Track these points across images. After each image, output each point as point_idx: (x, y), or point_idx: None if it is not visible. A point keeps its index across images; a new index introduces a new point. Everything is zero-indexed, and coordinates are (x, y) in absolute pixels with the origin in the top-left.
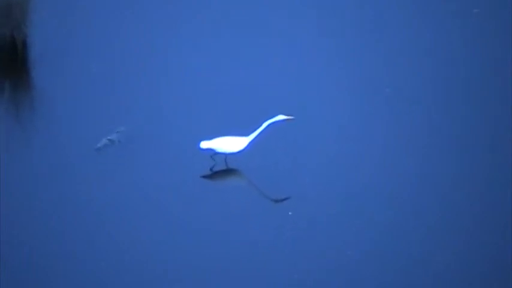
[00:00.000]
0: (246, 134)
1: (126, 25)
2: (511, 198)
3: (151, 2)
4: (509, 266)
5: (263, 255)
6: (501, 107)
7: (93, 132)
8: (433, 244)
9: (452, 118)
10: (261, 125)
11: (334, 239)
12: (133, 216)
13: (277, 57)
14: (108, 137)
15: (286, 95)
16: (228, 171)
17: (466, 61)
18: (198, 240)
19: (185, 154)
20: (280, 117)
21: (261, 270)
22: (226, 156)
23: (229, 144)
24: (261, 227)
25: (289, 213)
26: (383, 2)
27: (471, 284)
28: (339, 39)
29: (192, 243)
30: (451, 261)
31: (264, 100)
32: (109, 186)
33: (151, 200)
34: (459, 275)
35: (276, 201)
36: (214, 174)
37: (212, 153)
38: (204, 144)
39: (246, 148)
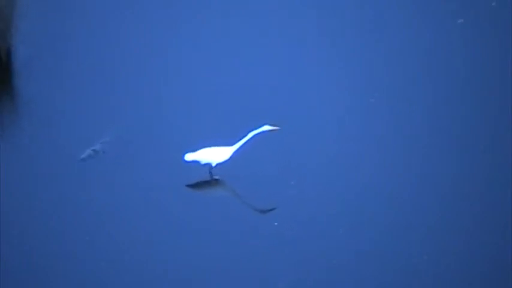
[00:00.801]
0: (232, 143)
1: (112, 35)
2: (511, 198)
3: (137, 12)
4: (509, 266)
5: (248, 266)
6: (501, 107)
7: (78, 142)
8: (433, 244)
9: (452, 118)
10: (246, 135)
11: (321, 248)
12: (118, 226)
13: (265, 64)
14: (93, 148)
15: (273, 103)
16: (212, 182)
17: (466, 61)
18: (182, 253)
19: (170, 164)
20: (266, 127)
21: (247, 280)
22: (211, 167)
23: (214, 154)
24: (246, 237)
25: (275, 223)
26: (383, 2)
27: (471, 284)
28: (336, 40)
29: (176, 255)
30: (451, 261)
31: (251, 107)
32: (93, 197)
33: (136, 211)
34: (459, 275)
35: (262, 211)
36: (198, 185)
37: (208, 167)
38: (189, 157)
39: (230, 158)
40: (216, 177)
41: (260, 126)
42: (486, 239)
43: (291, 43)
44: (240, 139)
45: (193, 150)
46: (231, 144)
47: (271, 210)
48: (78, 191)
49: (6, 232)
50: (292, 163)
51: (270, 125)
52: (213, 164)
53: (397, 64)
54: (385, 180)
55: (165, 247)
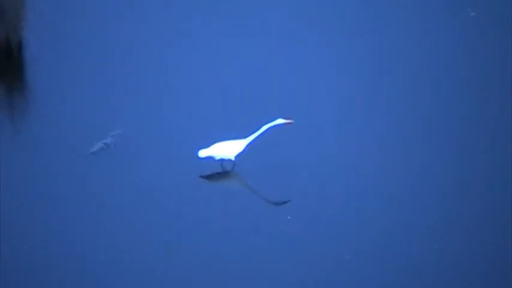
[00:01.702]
0: (244, 137)
1: (122, 27)
2: (511, 198)
3: (148, 4)
4: (509, 266)
5: (262, 259)
6: (501, 107)
7: (89, 135)
8: (433, 244)
9: (452, 118)
10: (259, 128)
11: (333, 242)
12: (129, 220)
13: (275, 60)
14: (104, 141)
15: (285, 97)
16: (225, 174)
17: (466, 60)
18: (196, 244)
19: (182, 157)
20: (280, 121)
21: (259, 273)
22: (230, 161)
23: (227, 148)
24: (259, 231)
25: (288, 217)
26: (384, 2)
27: (471, 284)
28: (338, 39)
29: (189, 247)
30: (451, 261)
31: (263, 102)
32: (105, 190)
33: (148, 204)
34: (459, 275)
35: (276, 204)
36: (212, 177)
37: (219, 161)
38: (203, 153)
39: (243, 151)
40: (230, 169)
41: (273, 120)
42: (486, 239)
43: (304, 38)
44: (253, 133)
45: (206, 143)
46: (243, 138)
47: (285, 202)
48: (88, 184)
49: (14, 224)
50: (302, 156)
51: (284, 118)
52: (232, 158)
53: (397, 64)
54: (385, 179)
55: (177, 240)
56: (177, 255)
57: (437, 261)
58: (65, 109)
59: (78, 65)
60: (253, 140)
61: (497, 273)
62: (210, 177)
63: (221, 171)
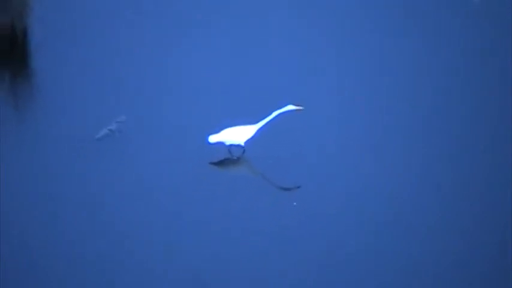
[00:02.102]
0: (252, 123)
1: (130, 12)
2: (511, 198)
3: None
4: (509, 266)
5: (269, 246)
6: (501, 107)
7: (94, 121)
8: (433, 244)
9: (452, 118)
10: (269, 114)
11: (341, 231)
12: (135, 207)
13: (285, 51)
14: (109, 127)
15: (295, 84)
16: (235, 161)
17: (466, 60)
18: (203, 230)
19: (190, 144)
20: (290, 107)
21: (266, 261)
22: (240, 147)
23: (238, 134)
24: (267, 217)
25: (294, 203)
26: (384, 2)
27: (471, 284)
28: (348, 35)
29: (197, 233)
30: (451, 261)
31: (273, 91)
32: (109, 176)
33: (154, 191)
34: (459, 275)
35: (287, 189)
36: (221, 163)
37: (229, 146)
38: (213, 138)
39: (254, 136)
40: (240, 155)
41: (284, 106)
42: (486, 239)
43: (311, 34)
44: (263, 119)
45: (214, 129)
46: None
47: (296, 188)
48: (94, 171)
49: (18, 214)
50: (310, 144)
51: (294, 104)
52: (242, 143)
53: (401, 63)
54: (385, 179)
55: (183, 227)
56: (181, 241)
57: (437, 261)
58: (70, 96)
59: (82, 52)
60: (264, 126)
61: (497, 273)
62: (219, 163)
63: (230, 157)
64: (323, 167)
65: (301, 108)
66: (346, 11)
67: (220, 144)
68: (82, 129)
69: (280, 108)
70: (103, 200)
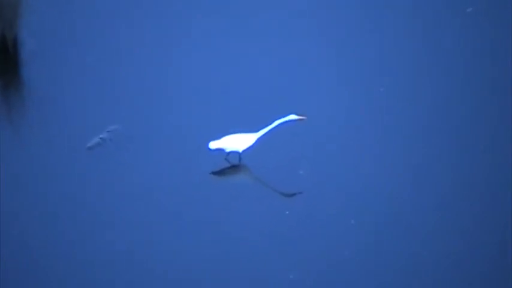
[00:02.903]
0: (252, 131)
1: (119, 22)
2: (511, 198)
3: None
4: (509, 266)
5: (269, 248)
6: (501, 107)
7: (86, 130)
8: (433, 244)
9: (452, 118)
10: (271, 123)
11: (340, 235)
12: (127, 216)
13: (285, 57)
14: (100, 136)
15: (297, 92)
16: (234, 168)
17: (466, 60)
18: (200, 239)
19: (185, 152)
20: (292, 116)
21: (266, 263)
22: (238, 154)
23: (238, 141)
24: (267, 224)
25: (286, 212)
26: (384, 2)
27: (471, 284)
28: (341, 38)
29: (192, 240)
30: (451, 261)
31: (274, 98)
32: (101, 186)
33: (148, 199)
34: (459, 275)
35: (288, 195)
36: (221, 173)
37: (225, 154)
38: (213, 145)
39: (254, 144)
40: (237, 163)
41: (286, 115)
42: (486, 239)
43: (315, 36)
44: (264, 127)
45: (212, 136)
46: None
47: (296, 194)
48: (87, 180)
49: (9, 222)
50: (308, 151)
51: (297, 114)
52: (240, 151)
53: (401, 63)
54: (385, 180)
55: (179, 238)
56: (176, 250)
57: (437, 261)
58: (62, 106)
59: (74, 62)
60: (264, 135)
61: (497, 273)
62: (219, 172)
63: (230, 165)
64: (323, 171)
65: (303, 118)
66: (346, 13)
67: (220, 150)
68: (75, 138)
69: (282, 117)
70: (97, 207)
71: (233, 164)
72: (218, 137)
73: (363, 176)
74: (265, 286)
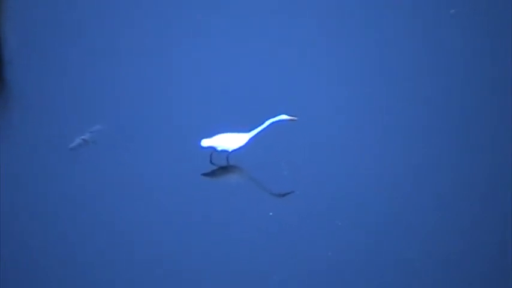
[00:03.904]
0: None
1: (105, 20)
2: (511, 198)
3: None
4: (509, 266)
5: (261, 253)
6: (501, 107)
7: (69, 131)
8: (433, 244)
9: (452, 118)
10: (263, 123)
11: (330, 239)
12: (120, 216)
13: (281, 56)
14: (82, 137)
15: (289, 92)
16: (228, 168)
17: (466, 60)
18: (190, 239)
19: (167, 153)
20: (283, 117)
21: (258, 266)
22: (227, 153)
23: (230, 140)
24: (260, 224)
25: (270, 213)
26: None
27: (471, 284)
28: (344, 38)
29: (184, 241)
30: (451, 261)
31: (267, 97)
32: (84, 187)
33: (131, 202)
34: (459, 275)
35: (280, 195)
36: (212, 174)
37: (210, 155)
38: (205, 142)
39: (246, 144)
40: (226, 162)
41: (277, 115)
42: (486, 239)
43: (311, 36)
44: (256, 127)
45: (203, 136)
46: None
47: (288, 193)
48: (67, 181)
49: None
50: (302, 151)
51: (288, 115)
52: (230, 150)
53: (401, 63)
54: (384, 179)
55: (163, 240)
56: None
57: (437, 261)
58: (45, 107)
59: (57, 61)
60: (256, 135)
61: (497, 273)
62: (211, 174)
63: (221, 166)
64: (318, 171)
65: (295, 118)
66: (345, 12)
67: (211, 148)
68: (59, 138)
69: (274, 116)
70: (79, 208)
71: (221, 165)
72: (211, 135)
73: (361, 176)
74: (264, 284)
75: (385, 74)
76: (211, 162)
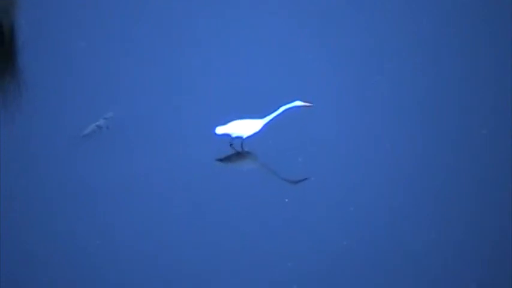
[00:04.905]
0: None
1: (116, 7)
2: (511, 198)
3: None
4: (509, 266)
5: (276, 238)
6: (501, 107)
7: (82, 117)
8: (432, 244)
9: (451, 117)
10: (277, 109)
11: (346, 223)
12: (124, 205)
13: (297, 43)
14: (96, 123)
15: (304, 79)
16: (243, 154)
17: (465, 60)
18: (199, 227)
19: (179, 139)
20: (298, 103)
21: (273, 252)
22: (242, 140)
23: (245, 127)
24: (274, 211)
25: (286, 200)
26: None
27: (471, 283)
28: (359, 26)
29: (192, 230)
30: (451, 261)
31: (280, 85)
32: (97, 173)
33: (147, 187)
34: (459, 275)
35: (294, 182)
36: (227, 159)
37: (230, 139)
38: (220, 130)
39: (260, 130)
40: (240, 149)
41: (292, 101)
42: (486, 239)
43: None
44: (270, 113)
45: (212, 126)
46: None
47: (302, 180)
48: (84, 167)
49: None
50: (315, 137)
51: (302, 101)
52: (244, 137)
53: (403, 63)
54: (397, 166)
55: (174, 227)
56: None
57: (437, 261)
58: (58, 93)
59: (70, 49)
60: (270, 121)
61: (497, 273)
62: (225, 159)
63: (236, 152)
64: (327, 160)
65: (309, 104)
66: (348, 11)
67: (226, 136)
68: (71, 126)
69: (288, 103)
70: (94, 196)
71: (238, 150)
72: (224, 122)
73: (374, 163)
74: (264, 274)
75: (385, 73)
76: (231, 145)
